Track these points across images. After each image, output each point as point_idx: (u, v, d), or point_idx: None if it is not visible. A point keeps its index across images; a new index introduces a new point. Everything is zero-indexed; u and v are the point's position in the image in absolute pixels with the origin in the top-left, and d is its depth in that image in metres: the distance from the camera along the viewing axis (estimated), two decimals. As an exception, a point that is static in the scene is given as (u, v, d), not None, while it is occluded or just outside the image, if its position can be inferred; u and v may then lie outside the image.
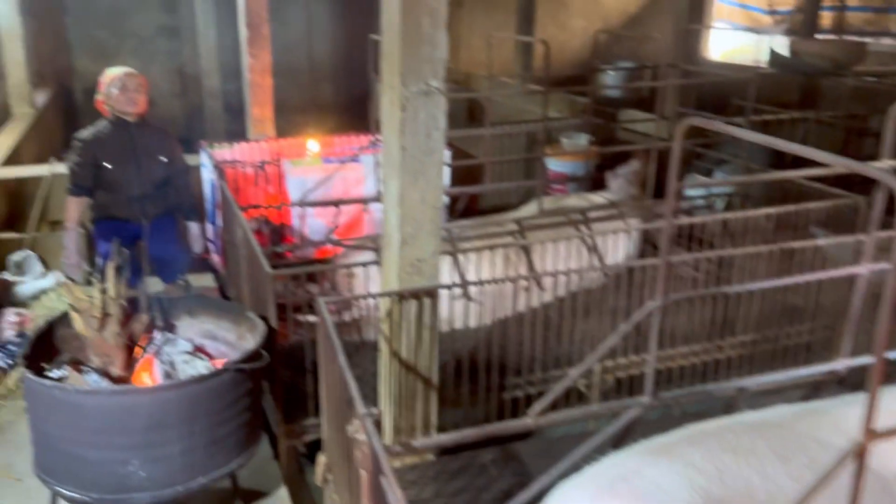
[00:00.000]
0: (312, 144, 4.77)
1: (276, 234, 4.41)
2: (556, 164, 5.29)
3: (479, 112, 8.01)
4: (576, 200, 3.96)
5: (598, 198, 4.00)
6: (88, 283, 4.30)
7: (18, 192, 4.83)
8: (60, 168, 4.72)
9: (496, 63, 7.89)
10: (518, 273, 3.42)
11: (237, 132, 8.17)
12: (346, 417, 1.93)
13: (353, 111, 10.20)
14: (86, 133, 3.74)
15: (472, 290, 2.96)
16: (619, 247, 3.60)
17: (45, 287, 4.20)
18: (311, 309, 3.20)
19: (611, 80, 8.02)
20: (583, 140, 5.31)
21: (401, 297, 2.36)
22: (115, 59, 9.28)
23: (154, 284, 4.20)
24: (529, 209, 3.80)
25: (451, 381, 2.84)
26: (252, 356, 2.41)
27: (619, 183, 4.05)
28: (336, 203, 4.21)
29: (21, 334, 3.58)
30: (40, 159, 6.63)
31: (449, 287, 2.55)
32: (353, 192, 4.64)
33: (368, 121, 9.41)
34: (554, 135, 5.66)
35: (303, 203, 4.21)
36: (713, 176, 4.84)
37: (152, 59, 9.55)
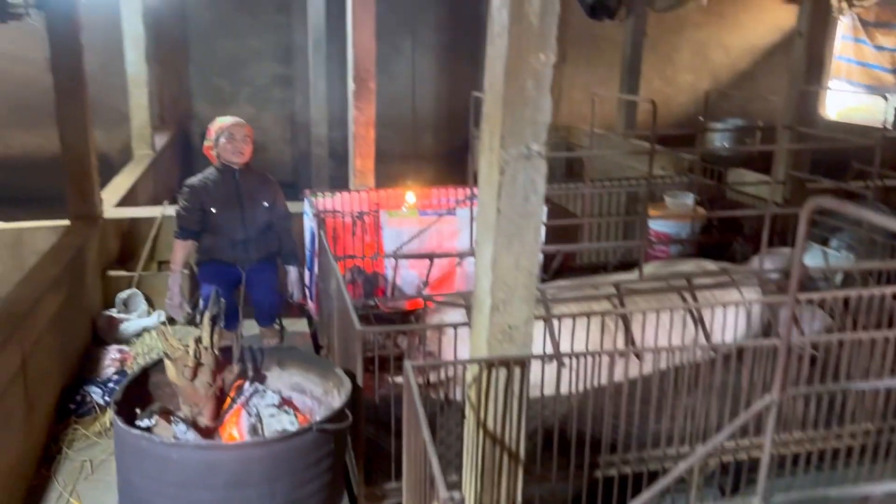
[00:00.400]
0: (410, 196, 4.79)
1: (370, 284, 4.42)
2: (658, 224, 5.09)
3: (578, 166, 7.90)
4: (684, 266, 3.76)
5: (709, 264, 3.78)
6: (190, 323, 4.46)
7: (131, 232, 5.08)
8: (171, 210, 4.94)
9: (598, 116, 7.80)
10: (616, 341, 3.26)
11: (341, 178, 8.41)
12: (428, 495, 1.83)
13: (453, 162, 10.33)
14: (194, 179, 3.90)
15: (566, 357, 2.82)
16: (730, 320, 3.37)
17: (147, 325, 4.36)
18: (399, 363, 3.15)
19: (719, 139, 7.73)
20: (689, 200, 5.09)
21: (489, 365, 2.26)
22: (232, 105, 9.84)
23: (251, 327, 4.29)
24: (630, 274, 3.63)
25: (538, 452, 2.70)
26: (337, 416, 2.36)
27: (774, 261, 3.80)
28: (430, 256, 4.18)
29: (121, 371, 3.70)
30: (156, 199, 7.02)
31: (542, 358, 2.43)
32: (447, 245, 4.61)
33: (467, 172, 9.49)
34: (657, 192, 5.47)
35: (397, 255, 4.20)
36: (830, 245, 4.51)
37: (266, 106, 10.04)
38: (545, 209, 2.24)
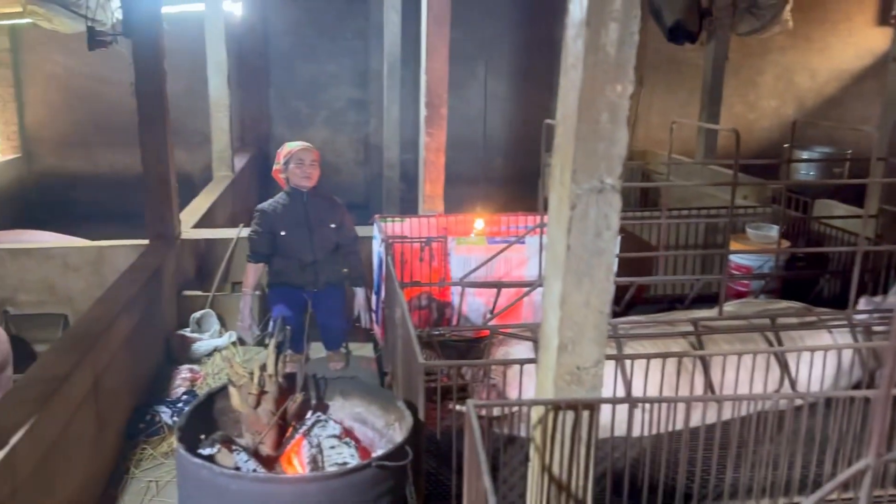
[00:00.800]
0: (479, 223, 4.74)
1: (439, 311, 4.38)
2: (739, 257, 4.87)
3: (654, 194, 7.67)
4: (769, 305, 3.56)
5: (797, 306, 3.57)
6: (259, 344, 4.52)
7: (207, 253, 5.20)
8: (246, 232, 5.03)
9: (676, 141, 7.58)
10: (693, 383, 3.09)
11: (411, 200, 8.45)
12: (486, 546, 1.74)
13: (523, 186, 10.23)
14: (265, 204, 3.97)
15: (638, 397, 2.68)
16: (818, 365, 3.16)
17: (219, 345, 4.43)
18: (463, 395, 3.08)
19: (805, 168, 7.38)
20: (772, 232, 4.84)
21: (556, 407, 2.16)
22: (309, 128, 10.06)
23: (317, 350, 4.31)
24: (708, 311, 3.46)
25: (606, 497, 2.57)
26: (397, 452, 2.30)
27: None
28: (498, 285, 4.10)
29: (191, 391, 3.76)
30: (233, 219, 7.20)
31: (612, 402, 2.31)
32: (515, 274, 4.53)
33: (537, 197, 9.37)
34: (739, 223, 5.24)
35: (464, 283, 4.14)
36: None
37: (341, 129, 10.22)
38: (618, 243, 2.13)
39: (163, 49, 4.38)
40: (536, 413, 2.24)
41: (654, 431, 3.00)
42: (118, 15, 4.48)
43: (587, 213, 2.08)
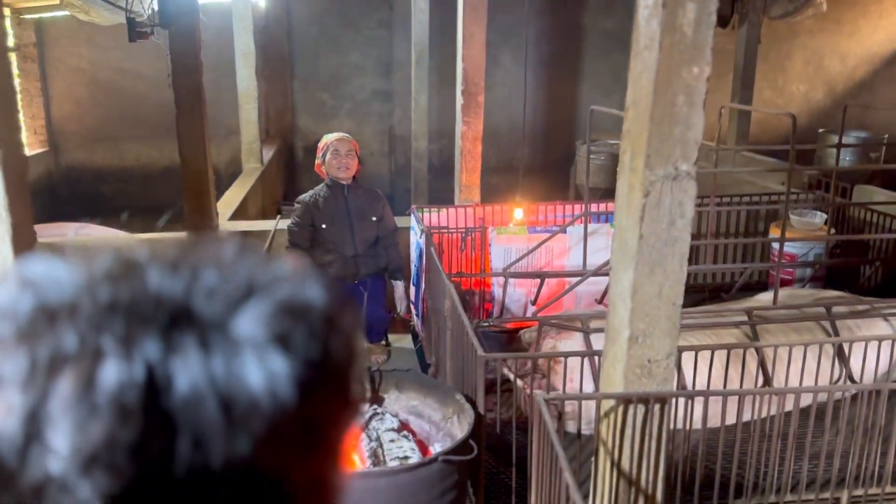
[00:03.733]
0: (518, 212, 4.67)
1: (478, 302, 4.34)
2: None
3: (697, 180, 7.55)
4: (818, 294, 3.47)
5: (848, 295, 3.49)
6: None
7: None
8: (283, 224, 5.00)
9: (706, 127, 7.44)
10: (746, 373, 3.02)
11: (438, 190, 8.40)
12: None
13: (552, 174, 10.14)
14: (305, 196, 3.92)
15: (697, 389, 2.63)
16: (872, 354, 3.08)
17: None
18: (506, 385, 3.03)
19: (842, 153, 7.22)
20: (816, 219, 4.74)
21: (626, 401, 2.11)
22: (334, 119, 10.01)
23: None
24: (763, 297, 3.38)
25: (674, 494, 2.51)
26: (462, 446, 2.26)
27: None
28: (542, 275, 4.04)
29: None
30: (264, 211, 7.19)
31: (687, 395, 2.25)
32: (556, 264, 4.47)
33: (567, 185, 9.27)
34: (780, 210, 5.14)
35: (508, 273, 4.09)
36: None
37: (366, 120, 10.17)
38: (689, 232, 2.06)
39: (199, 40, 4.36)
40: (605, 407, 2.19)
41: (714, 424, 2.95)
42: (154, 6, 4.45)
43: (661, 200, 2.02)
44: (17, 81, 9.13)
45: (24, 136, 9.33)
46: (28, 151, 9.16)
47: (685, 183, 2.00)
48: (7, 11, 8.22)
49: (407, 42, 8.45)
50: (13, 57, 9.05)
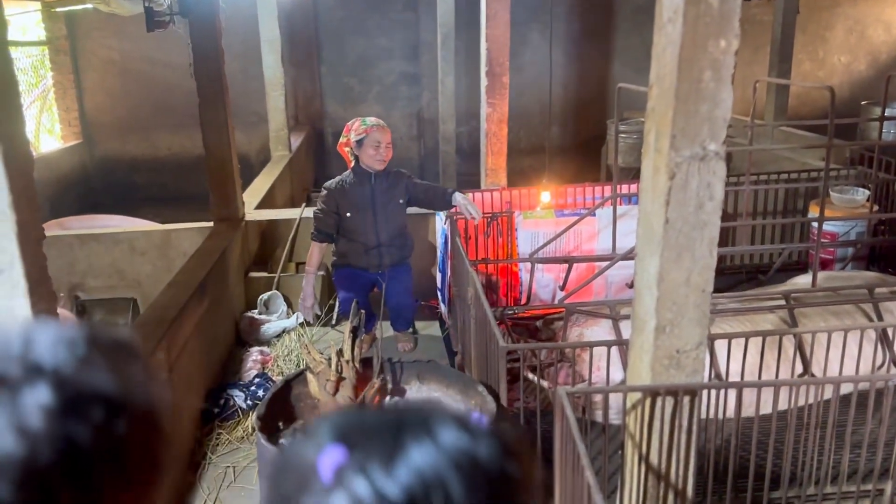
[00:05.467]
0: (545, 195, 4.56)
1: (506, 288, 4.25)
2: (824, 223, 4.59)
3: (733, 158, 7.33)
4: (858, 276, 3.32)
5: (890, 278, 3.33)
6: (322, 325, 4.48)
7: (270, 233, 5.17)
8: (309, 212, 4.97)
9: (738, 101, 7.19)
10: (786, 358, 2.90)
11: (466, 173, 8.29)
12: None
13: (582, 153, 9.96)
14: (331, 182, 3.86)
15: (732, 379, 2.52)
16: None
17: (287, 326, 4.40)
18: (533, 371, 2.95)
19: (885, 126, 6.93)
20: (858, 195, 4.54)
21: (654, 393, 2.02)
22: (361, 104, 9.95)
23: (386, 331, 4.23)
24: (801, 280, 3.24)
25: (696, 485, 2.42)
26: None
27: None
28: (569, 261, 3.94)
29: (262, 374, 3.73)
30: (292, 198, 7.18)
31: (718, 387, 2.15)
32: (585, 248, 4.36)
33: (599, 165, 9.09)
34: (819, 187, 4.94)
35: (534, 259, 4.00)
36: None
37: (393, 104, 10.09)
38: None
39: (220, 28, 4.31)
40: (631, 399, 2.10)
41: (748, 413, 2.84)
42: (174, -6, 4.42)
43: (688, 182, 1.91)
44: (50, 74, 9.24)
45: (59, 129, 9.47)
46: (63, 143, 9.30)
47: (714, 163, 1.89)
48: (38, 6, 8.32)
49: (433, 24, 8.32)
50: (45, 50, 9.17)
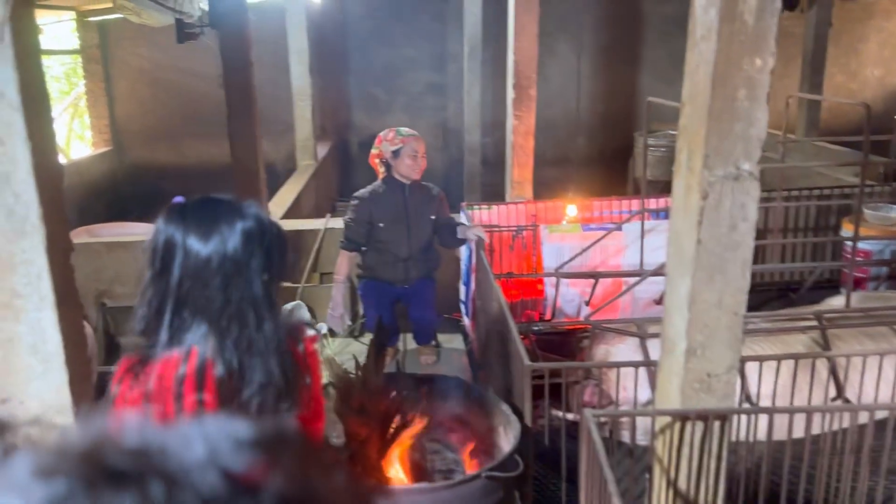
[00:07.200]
0: (571, 209, 4.52)
1: (531, 303, 4.21)
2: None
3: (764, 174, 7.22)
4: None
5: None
6: (350, 335, 4.47)
7: (294, 243, 5.18)
8: (334, 223, 4.97)
9: (771, 115, 7.07)
10: (819, 381, 2.83)
11: (491, 184, 8.27)
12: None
13: (608, 165, 9.88)
14: (364, 191, 3.84)
15: (763, 401, 2.46)
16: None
17: (309, 337, 4.40)
18: (566, 391, 2.90)
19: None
20: (894, 213, 4.44)
21: (684, 418, 1.97)
22: (388, 114, 9.98)
23: (408, 343, 4.21)
24: (834, 302, 3.16)
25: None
26: (506, 462, 2.16)
27: None
28: (596, 276, 3.89)
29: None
30: (318, 208, 7.20)
31: (749, 412, 2.09)
32: (612, 262, 4.30)
33: (626, 177, 9.01)
34: (853, 204, 4.84)
35: (559, 273, 3.95)
36: None
37: (419, 114, 10.10)
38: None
39: (249, 39, 4.34)
40: (660, 423, 2.05)
41: (780, 437, 2.76)
42: (204, 6, 4.46)
43: (721, 202, 1.86)
44: (82, 82, 9.40)
45: (90, 136, 9.61)
46: (93, 151, 9.44)
47: (748, 183, 1.85)
48: (73, 14, 8.47)
49: (460, 35, 8.33)
50: (78, 58, 9.33)
